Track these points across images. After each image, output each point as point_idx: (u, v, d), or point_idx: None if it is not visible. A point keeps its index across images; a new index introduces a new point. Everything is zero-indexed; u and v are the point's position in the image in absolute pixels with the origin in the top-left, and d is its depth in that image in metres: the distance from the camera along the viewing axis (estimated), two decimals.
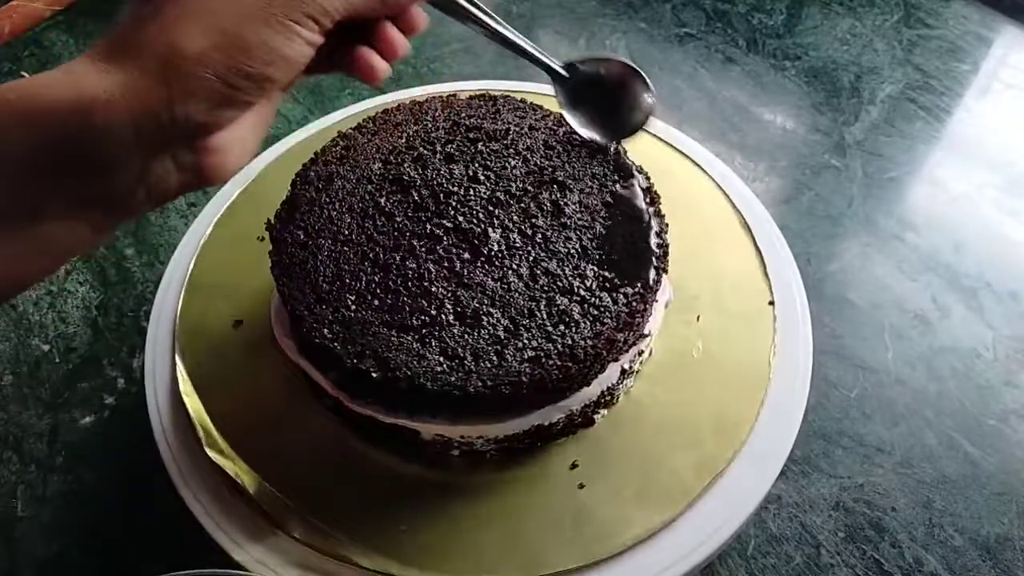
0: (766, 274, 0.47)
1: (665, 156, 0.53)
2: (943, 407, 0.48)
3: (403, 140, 0.45)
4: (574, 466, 0.40)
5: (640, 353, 0.41)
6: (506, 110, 0.47)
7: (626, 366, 0.40)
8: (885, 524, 0.43)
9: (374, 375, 0.36)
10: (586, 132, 0.42)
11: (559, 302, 0.37)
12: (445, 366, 0.36)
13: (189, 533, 0.38)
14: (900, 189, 0.61)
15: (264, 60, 0.27)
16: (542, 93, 0.56)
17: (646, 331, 0.40)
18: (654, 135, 0.54)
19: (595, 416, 0.41)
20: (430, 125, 0.46)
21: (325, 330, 0.37)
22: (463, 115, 0.46)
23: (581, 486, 0.39)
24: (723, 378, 0.42)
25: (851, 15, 0.77)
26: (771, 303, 0.45)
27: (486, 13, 0.37)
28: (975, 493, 0.44)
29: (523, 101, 0.47)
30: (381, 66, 0.32)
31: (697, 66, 0.71)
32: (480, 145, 0.44)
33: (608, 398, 0.41)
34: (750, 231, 0.49)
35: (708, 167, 0.53)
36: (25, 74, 0.70)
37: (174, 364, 0.43)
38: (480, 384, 0.35)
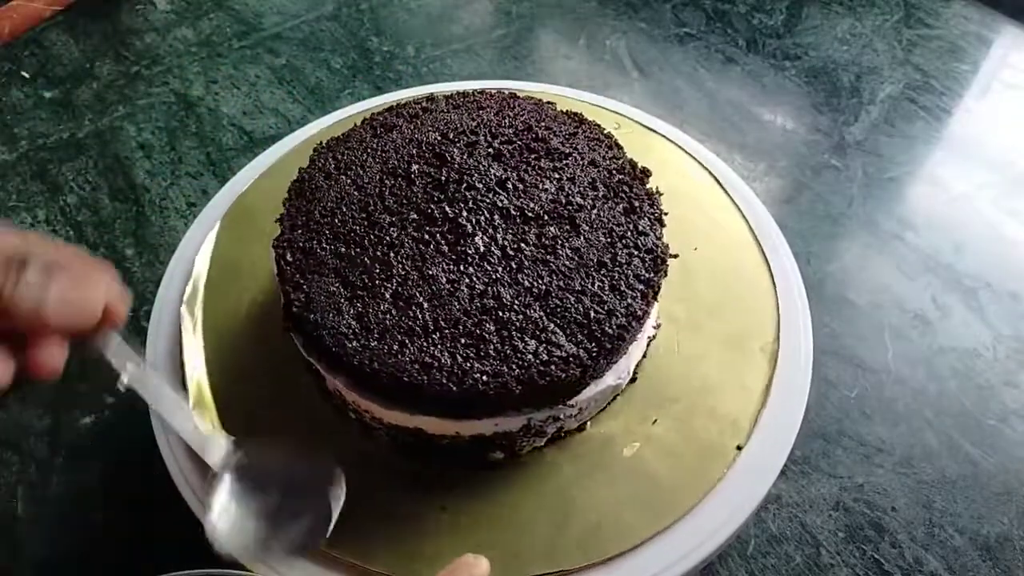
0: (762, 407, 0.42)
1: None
2: (943, 407, 0.48)
3: (475, 123, 0.45)
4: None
5: (556, 419, 0.39)
6: (584, 136, 0.45)
7: (535, 424, 0.38)
8: (885, 524, 0.43)
9: (294, 309, 0.38)
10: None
11: (485, 329, 0.36)
12: (350, 331, 0.37)
13: (189, 533, 0.37)
14: (900, 189, 0.61)
15: None
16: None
17: (571, 403, 0.38)
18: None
19: (490, 453, 0.39)
20: (507, 120, 0.46)
21: (288, 254, 0.39)
22: (542, 123, 0.46)
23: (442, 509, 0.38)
24: (637, 489, 0.38)
25: (851, 15, 0.77)
26: (739, 448, 0.40)
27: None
28: (975, 493, 0.44)
29: (608, 135, 0.46)
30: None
31: (697, 66, 0.71)
32: (533, 157, 0.43)
33: (504, 443, 0.38)
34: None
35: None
36: (25, 74, 0.70)
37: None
38: (367, 361, 0.36)
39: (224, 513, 0.31)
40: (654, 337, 0.44)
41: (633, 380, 0.43)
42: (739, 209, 0.50)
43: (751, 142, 0.64)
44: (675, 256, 0.42)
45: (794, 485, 0.44)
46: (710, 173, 0.52)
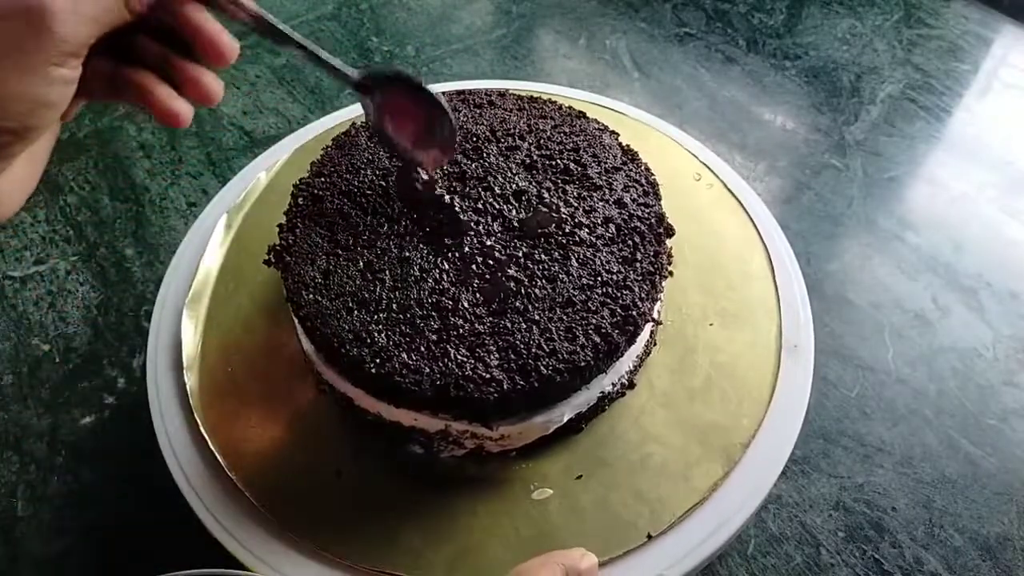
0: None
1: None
2: (943, 407, 0.48)
3: (527, 129, 0.45)
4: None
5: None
6: (626, 174, 0.43)
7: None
8: (885, 524, 0.43)
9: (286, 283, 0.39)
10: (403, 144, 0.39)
11: (428, 324, 0.37)
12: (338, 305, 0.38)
13: (189, 533, 0.38)
14: (900, 189, 0.61)
15: (21, 112, 0.25)
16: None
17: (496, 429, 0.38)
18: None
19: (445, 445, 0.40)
20: (559, 136, 0.45)
21: (290, 237, 0.41)
22: (591, 149, 0.44)
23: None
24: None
25: (851, 15, 0.77)
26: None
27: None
28: (975, 493, 0.44)
29: (652, 182, 0.43)
30: (173, 103, 0.29)
31: (697, 66, 0.71)
32: (563, 179, 0.43)
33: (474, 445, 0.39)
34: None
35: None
36: None
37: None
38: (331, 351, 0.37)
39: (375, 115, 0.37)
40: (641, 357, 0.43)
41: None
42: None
43: (751, 142, 0.64)
44: (659, 323, 0.41)
45: (794, 485, 0.44)
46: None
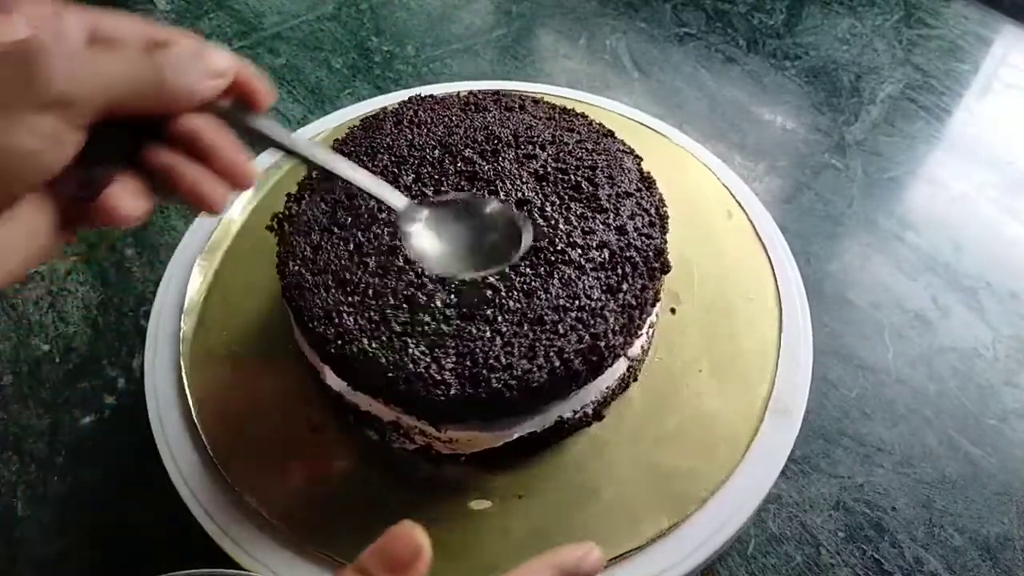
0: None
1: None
2: (943, 407, 0.48)
3: (550, 139, 0.45)
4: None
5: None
6: (636, 202, 0.42)
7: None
8: (885, 524, 0.43)
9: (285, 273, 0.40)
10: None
11: (399, 317, 0.37)
12: (314, 281, 0.38)
13: (189, 533, 0.38)
14: (900, 189, 0.61)
15: None
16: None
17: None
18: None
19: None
20: (579, 151, 0.44)
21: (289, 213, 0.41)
22: (608, 170, 0.43)
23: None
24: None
25: (851, 15, 0.77)
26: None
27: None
28: (975, 493, 0.44)
29: (662, 214, 0.42)
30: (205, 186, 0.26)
31: (697, 66, 0.71)
32: (571, 194, 0.42)
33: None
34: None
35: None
36: None
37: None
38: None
39: (421, 237, 0.33)
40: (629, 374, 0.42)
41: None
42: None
43: (751, 142, 0.64)
44: (633, 360, 0.41)
45: (794, 485, 0.44)
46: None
